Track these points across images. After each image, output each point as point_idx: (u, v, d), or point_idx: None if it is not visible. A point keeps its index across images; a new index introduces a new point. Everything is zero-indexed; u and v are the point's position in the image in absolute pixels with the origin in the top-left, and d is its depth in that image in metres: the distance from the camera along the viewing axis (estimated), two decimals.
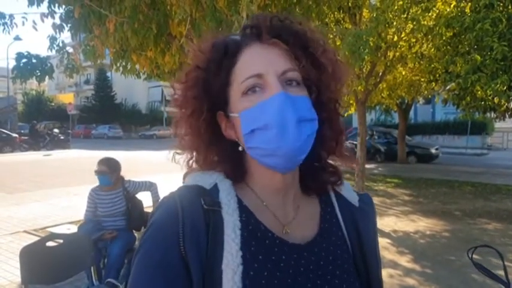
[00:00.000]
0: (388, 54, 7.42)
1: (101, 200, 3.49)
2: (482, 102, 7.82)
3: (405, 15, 6.46)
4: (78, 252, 2.72)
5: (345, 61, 0.76)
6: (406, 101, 15.32)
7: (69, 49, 5.34)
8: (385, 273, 3.78)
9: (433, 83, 9.27)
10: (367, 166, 8.59)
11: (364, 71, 7.54)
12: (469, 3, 6.59)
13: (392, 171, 13.13)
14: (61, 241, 2.77)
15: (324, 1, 5.11)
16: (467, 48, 6.47)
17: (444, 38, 6.69)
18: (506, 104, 7.78)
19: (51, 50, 5.05)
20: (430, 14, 6.69)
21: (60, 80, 44.06)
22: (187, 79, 0.70)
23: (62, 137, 23.62)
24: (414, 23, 6.27)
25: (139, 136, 36.51)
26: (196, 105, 0.68)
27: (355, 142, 8.74)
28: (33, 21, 4.59)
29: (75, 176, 11.09)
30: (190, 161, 0.74)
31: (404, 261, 4.69)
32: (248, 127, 0.63)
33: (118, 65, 5.23)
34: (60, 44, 5.09)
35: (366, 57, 5.64)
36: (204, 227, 0.62)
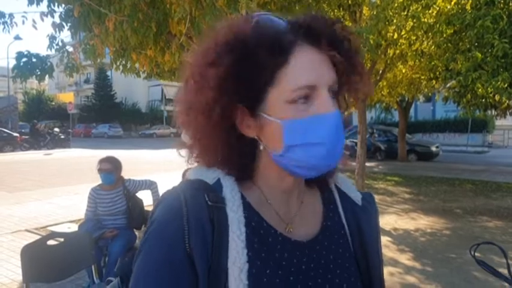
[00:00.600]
0: (388, 52, 7.40)
1: (101, 199, 3.49)
2: (483, 100, 7.81)
3: (405, 13, 6.44)
4: (79, 250, 2.72)
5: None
6: (407, 99, 15.30)
7: (69, 48, 5.34)
8: (385, 271, 3.78)
9: (434, 81, 9.27)
10: (367, 164, 8.60)
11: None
12: (470, 0, 6.58)
13: (393, 169, 13.13)
14: (62, 240, 2.78)
15: None
16: (467, 46, 6.46)
17: (444, 35, 6.69)
18: (507, 102, 7.76)
19: (51, 49, 5.05)
20: (430, 11, 6.68)
21: (60, 79, 44.03)
22: (219, 66, 0.60)
23: (62, 136, 23.63)
24: (414, 20, 6.26)
25: (140, 135, 36.52)
26: (228, 99, 0.61)
27: (355, 140, 8.74)
28: (33, 20, 4.60)
29: (76, 175, 11.10)
30: (195, 154, 0.69)
31: (405, 259, 4.69)
32: (294, 139, 0.60)
33: (118, 63, 5.23)
34: (60, 43, 5.10)
35: (366, 55, 5.63)
36: (208, 223, 0.60)
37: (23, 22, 4.67)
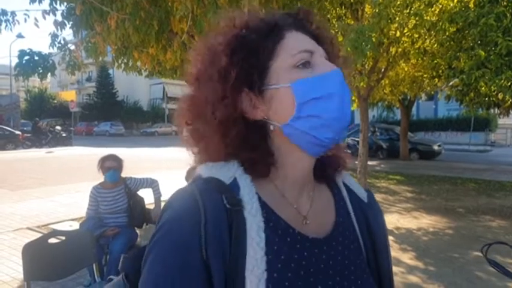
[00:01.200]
0: (391, 50, 7.38)
1: (103, 198, 3.49)
2: (486, 98, 7.78)
3: (408, 11, 6.42)
4: (81, 249, 2.72)
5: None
6: (409, 98, 15.27)
7: (71, 46, 5.34)
8: None
9: (436, 79, 9.24)
10: (369, 163, 8.57)
11: (367, 67, 7.51)
12: None
13: (395, 168, 13.10)
14: (63, 238, 2.77)
15: None
16: (471, 44, 6.43)
17: (447, 33, 6.66)
18: (510, 100, 7.72)
19: (53, 47, 5.06)
20: (433, 9, 6.65)
21: (62, 78, 44.10)
22: (223, 55, 0.64)
23: (64, 134, 23.68)
24: (417, 18, 6.23)
25: (141, 133, 36.56)
26: (229, 79, 0.62)
27: (357, 139, 8.72)
28: (35, 19, 4.60)
29: (77, 173, 11.11)
30: (203, 148, 0.67)
31: (407, 258, 4.67)
32: (306, 96, 0.62)
33: (120, 62, 5.22)
34: (62, 41, 5.10)
35: (368, 53, 5.60)
36: (227, 229, 0.57)
37: (25, 20, 4.68)
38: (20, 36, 22.72)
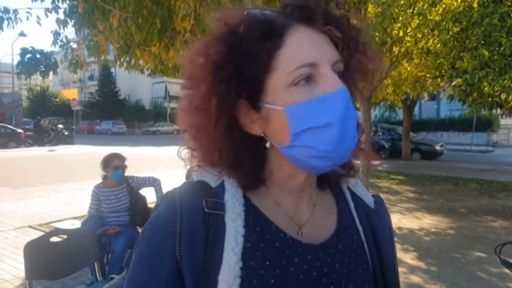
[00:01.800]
0: (394, 49, 7.34)
1: (105, 197, 3.48)
2: (490, 99, 7.75)
3: (411, 10, 6.39)
4: (82, 247, 2.72)
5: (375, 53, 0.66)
6: (411, 97, 15.22)
7: (73, 44, 5.34)
8: None
9: (439, 79, 9.21)
10: (371, 162, 8.54)
11: None
12: None
13: (397, 168, 13.07)
14: (65, 236, 2.77)
15: None
16: (474, 44, 6.40)
17: (451, 33, 6.63)
18: None
19: (55, 46, 5.05)
20: (436, 8, 6.62)
21: (64, 76, 44.15)
22: (211, 56, 0.57)
23: (66, 133, 23.72)
24: (420, 18, 6.20)
25: (143, 132, 36.59)
26: (224, 90, 0.57)
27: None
28: (37, 17, 4.59)
29: (79, 171, 11.13)
30: (196, 157, 0.64)
31: (409, 258, 4.66)
32: (300, 125, 0.54)
33: (122, 60, 5.21)
34: (64, 40, 5.09)
35: None
36: (203, 232, 0.56)
37: (27, 18, 4.66)
38: (22, 34, 22.73)
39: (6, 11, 4.57)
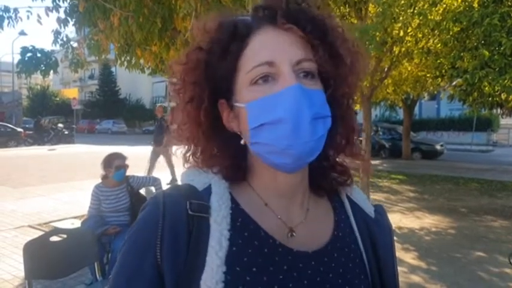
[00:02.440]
0: (394, 49, 7.33)
1: (105, 196, 3.48)
2: (490, 98, 7.75)
3: (412, 10, 6.38)
4: (82, 247, 2.71)
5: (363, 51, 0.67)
6: (412, 97, 15.22)
7: (74, 44, 5.33)
8: None
9: (439, 79, 9.21)
10: (371, 162, 8.55)
11: (370, 66, 7.47)
12: None
13: (397, 168, 13.07)
14: (65, 236, 2.76)
15: None
16: (475, 44, 6.40)
17: (451, 33, 6.62)
18: None
19: (55, 45, 5.04)
20: (437, 8, 6.61)
21: (64, 75, 44.17)
22: (187, 61, 0.62)
23: (66, 132, 23.71)
24: (421, 17, 6.19)
25: (143, 131, 36.53)
26: (196, 91, 0.62)
27: (360, 138, 8.68)
28: (38, 15, 4.59)
29: (80, 170, 11.12)
30: (188, 154, 0.67)
31: (410, 258, 4.66)
32: (256, 120, 0.56)
33: (122, 59, 5.20)
34: (65, 39, 5.08)
35: (371, 52, 5.57)
36: (185, 234, 0.56)
37: (28, 17, 4.66)
38: (22, 33, 22.75)
39: (6, 9, 4.56)
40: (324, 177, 0.67)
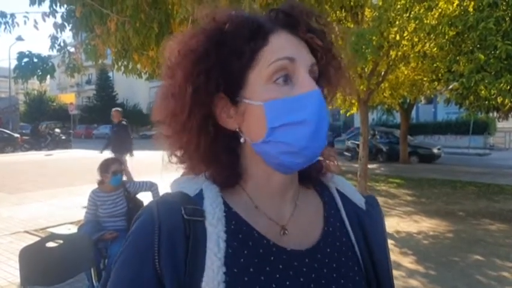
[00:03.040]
0: (391, 53, 7.38)
1: (102, 202, 3.46)
2: (486, 102, 7.78)
3: (408, 14, 6.43)
4: (79, 253, 2.69)
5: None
6: (408, 101, 15.27)
7: (71, 49, 5.32)
8: None
9: (436, 83, 9.25)
10: (369, 166, 8.55)
11: (366, 70, 7.51)
12: (472, 2, 6.55)
13: (395, 171, 13.08)
14: (61, 242, 2.74)
15: (326, 0, 5.09)
16: (470, 48, 6.43)
17: (447, 37, 6.66)
18: (510, 104, 7.73)
19: (52, 50, 5.04)
20: (433, 12, 6.66)
21: (61, 80, 44.13)
22: (191, 46, 0.60)
23: (63, 137, 23.65)
24: (417, 22, 6.24)
25: (141, 136, 36.46)
26: (202, 81, 0.58)
27: (357, 142, 8.71)
28: (35, 21, 4.59)
29: (77, 176, 11.08)
30: (176, 154, 0.65)
31: (408, 262, 4.65)
32: (278, 120, 0.57)
33: (119, 64, 5.21)
34: (62, 44, 5.08)
35: (368, 56, 5.59)
36: (183, 239, 0.56)
37: (25, 22, 4.66)
38: (19, 38, 22.68)
39: (3, 15, 4.55)
40: (309, 169, 0.66)
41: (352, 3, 6.92)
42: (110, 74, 39.45)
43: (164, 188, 0.68)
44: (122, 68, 5.26)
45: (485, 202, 8.21)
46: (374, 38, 5.67)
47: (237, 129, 0.61)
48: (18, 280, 3.05)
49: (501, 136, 24.66)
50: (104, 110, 39.58)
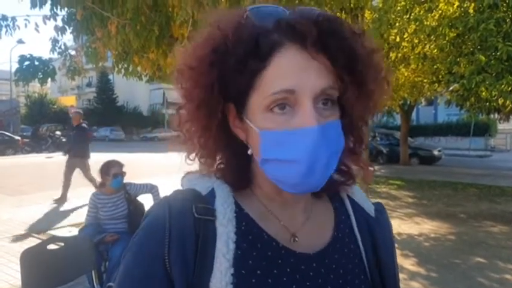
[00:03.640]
0: (391, 55, 7.39)
1: (102, 204, 3.46)
2: (487, 103, 7.78)
3: (408, 16, 6.44)
4: (79, 255, 2.69)
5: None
6: (409, 103, 15.27)
7: (72, 51, 5.34)
8: None
9: (436, 84, 9.26)
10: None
11: None
12: (473, 4, 6.56)
13: (395, 173, 13.06)
14: (62, 244, 2.74)
15: (326, 2, 5.08)
16: (471, 49, 6.44)
17: (447, 38, 6.67)
18: (511, 105, 7.73)
19: (53, 53, 5.05)
20: (433, 14, 6.68)
21: (62, 83, 44.16)
22: (198, 62, 0.57)
23: (64, 140, 23.62)
24: (417, 23, 6.26)
25: (141, 138, 36.52)
26: (207, 94, 0.57)
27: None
28: (36, 24, 4.59)
29: (77, 178, 11.06)
30: (192, 156, 0.65)
31: (409, 264, 4.64)
32: (269, 153, 0.55)
33: (120, 67, 5.21)
34: (62, 47, 5.09)
35: None
36: (193, 238, 0.55)
37: (26, 25, 4.66)
38: (20, 41, 22.76)
39: (4, 18, 4.57)
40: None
41: (352, 5, 6.93)
42: (111, 76, 39.49)
43: (164, 191, 0.67)
44: (123, 70, 5.27)
45: (486, 204, 8.19)
46: (374, 39, 5.68)
47: (245, 142, 0.61)
48: (19, 283, 3.05)
49: (502, 138, 24.67)
50: (105, 113, 39.73)
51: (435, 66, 7.90)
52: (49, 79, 4.94)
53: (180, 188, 0.66)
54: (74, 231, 5.29)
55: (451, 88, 8.08)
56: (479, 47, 6.26)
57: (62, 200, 7.69)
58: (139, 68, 5.17)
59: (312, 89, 0.53)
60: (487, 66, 5.98)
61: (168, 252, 0.54)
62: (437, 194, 9.33)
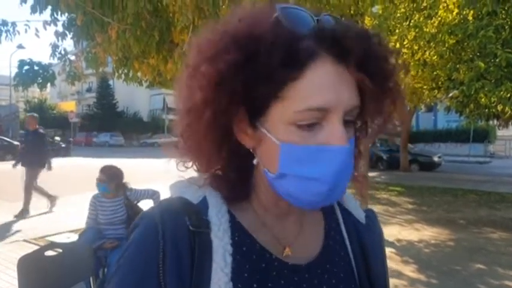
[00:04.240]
0: None
1: (102, 207, 3.46)
2: (486, 110, 7.80)
3: (408, 23, 6.47)
4: (78, 262, 2.67)
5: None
6: (409, 109, 15.29)
7: (72, 57, 5.34)
8: (389, 283, 3.67)
9: (436, 91, 9.27)
10: (369, 174, 8.54)
11: None
12: (472, 11, 6.59)
13: (395, 179, 13.05)
14: (60, 250, 2.72)
15: (326, 9, 5.11)
16: (470, 56, 6.47)
17: (447, 45, 6.70)
18: (510, 112, 7.75)
19: (53, 58, 5.05)
20: (432, 21, 6.71)
21: (62, 88, 44.23)
22: (220, 64, 0.50)
23: (63, 145, 23.63)
24: (417, 30, 6.29)
25: (141, 144, 36.52)
26: (223, 102, 0.51)
27: None
28: (36, 29, 4.60)
29: (76, 184, 11.05)
30: (189, 165, 0.61)
31: (409, 271, 4.61)
32: (291, 167, 0.51)
33: (120, 72, 5.21)
34: (62, 52, 5.09)
35: None
36: (188, 252, 0.52)
37: (26, 31, 4.67)
38: (20, 47, 22.83)
39: (4, 23, 4.58)
40: None
41: (352, 12, 6.96)
42: (111, 82, 39.58)
43: (166, 197, 0.66)
44: (123, 75, 5.27)
45: (486, 210, 8.17)
46: None
47: (252, 150, 0.57)
48: None
49: (501, 144, 24.70)
50: (104, 118, 39.75)
51: (435, 73, 7.93)
52: (48, 84, 4.95)
53: (169, 196, 0.62)
54: (73, 238, 5.25)
55: (450, 94, 8.10)
56: (478, 53, 6.29)
57: (22, 213, 7.22)
58: (139, 74, 5.18)
59: (345, 107, 0.50)
60: (486, 72, 6.00)
61: (162, 268, 0.51)
62: (437, 200, 9.31)
